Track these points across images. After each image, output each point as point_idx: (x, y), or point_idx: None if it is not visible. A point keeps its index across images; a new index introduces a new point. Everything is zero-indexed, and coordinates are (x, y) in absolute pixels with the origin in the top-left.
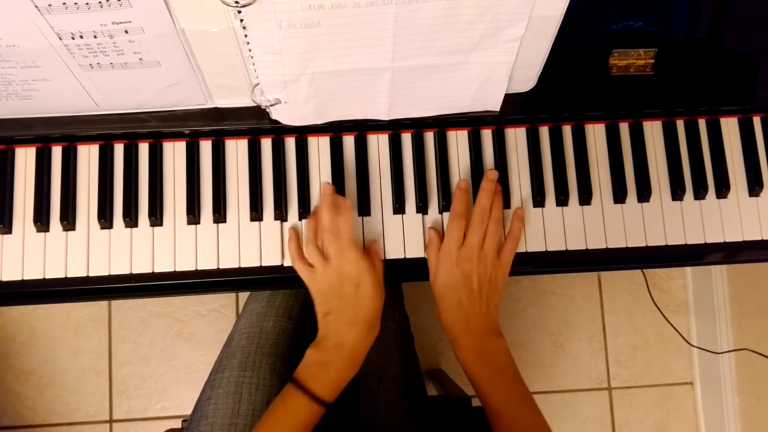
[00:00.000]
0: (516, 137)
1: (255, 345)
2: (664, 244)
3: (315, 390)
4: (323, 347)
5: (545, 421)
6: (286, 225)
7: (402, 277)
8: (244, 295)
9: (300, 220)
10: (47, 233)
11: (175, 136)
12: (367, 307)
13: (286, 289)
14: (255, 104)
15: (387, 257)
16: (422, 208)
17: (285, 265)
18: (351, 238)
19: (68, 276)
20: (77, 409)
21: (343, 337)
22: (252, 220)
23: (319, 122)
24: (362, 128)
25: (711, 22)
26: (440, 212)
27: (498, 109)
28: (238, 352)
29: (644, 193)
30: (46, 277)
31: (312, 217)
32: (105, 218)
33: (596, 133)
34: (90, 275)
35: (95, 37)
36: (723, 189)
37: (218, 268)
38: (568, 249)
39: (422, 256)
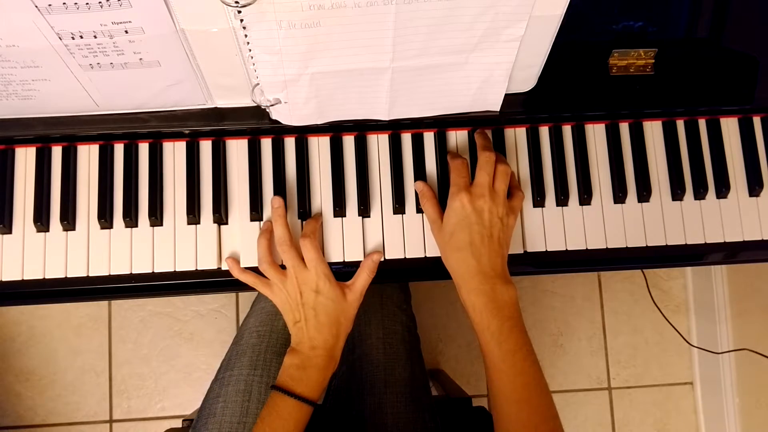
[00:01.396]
0: (516, 137)
1: (265, 343)
2: (664, 244)
3: (301, 392)
4: (299, 351)
5: (545, 380)
6: None
7: (403, 277)
8: (244, 295)
9: (300, 219)
10: (47, 233)
11: (175, 136)
12: (331, 310)
13: None
14: (255, 104)
15: (387, 257)
16: None
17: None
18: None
19: (68, 276)
20: (77, 409)
21: (315, 340)
22: (252, 220)
23: (319, 122)
24: (362, 128)
25: (711, 22)
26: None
27: (498, 109)
28: (248, 350)
29: (644, 193)
30: (46, 277)
31: (263, 234)
32: (105, 218)
33: (596, 133)
34: (90, 275)
35: (95, 37)
36: (723, 189)
37: (218, 268)
38: (568, 249)
39: (422, 256)
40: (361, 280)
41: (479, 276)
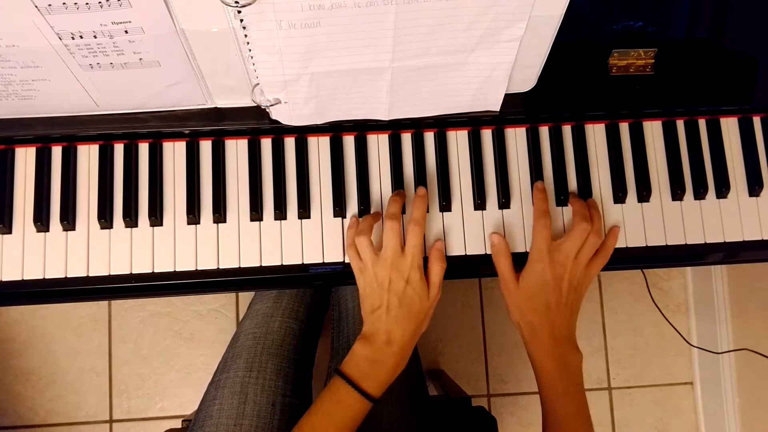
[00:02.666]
0: (516, 137)
1: (261, 345)
2: (664, 244)
3: (366, 388)
4: (373, 343)
5: None
6: (286, 225)
7: None
8: (244, 295)
9: (300, 219)
10: (47, 233)
11: (175, 136)
12: (415, 304)
13: (286, 290)
14: (255, 104)
15: None
16: None
17: (284, 264)
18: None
19: (68, 276)
20: (77, 409)
21: (393, 333)
22: (252, 220)
23: (319, 122)
24: (362, 128)
25: (711, 22)
26: (440, 211)
27: (498, 109)
28: (244, 352)
29: (644, 193)
30: (46, 277)
31: (373, 214)
32: (105, 218)
33: (596, 133)
34: (90, 275)
35: (95, 37)
36: (723, 189)
37: (218, 268)
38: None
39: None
40: (436, 273)
41: (551, 339)
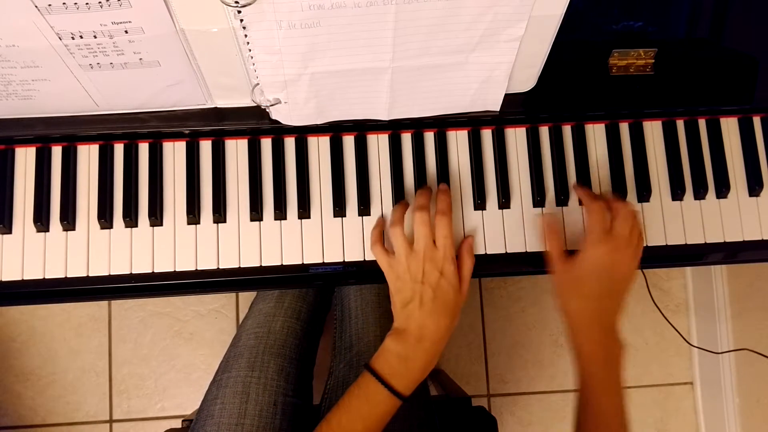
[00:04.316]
0: (516, 137)
1: (263, 345)
2: (664, 244)
3: (396, 385)
4: (405, 339)
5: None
6: (286, 225)
7: None
8: (244, 295)
9: (300, 219)
10: (47, 233)
11: (175, 136)
12: (449, 297)
13: (287, 290)
14: (255, 104)
15: None
16: None
17: (284, 264)
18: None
19: (68, 276)
20: (77, 409)
21: (425, 328)
22: (252, 220)
23: (319, 122)
24: (362, 128)
25: (711, 22)
26: None
27: (498, 109)
28: (246, 351)
29: (644, 193)
30: (46, 277)
31: (400, 204)
32: (105, 218)
33: (596, 133)
34: (90, 275)
35: (95, 37)
36: (723, 189)
37: (218, 268)
38: (569, 249)
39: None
40: (468, 267)
41: (598, 327)
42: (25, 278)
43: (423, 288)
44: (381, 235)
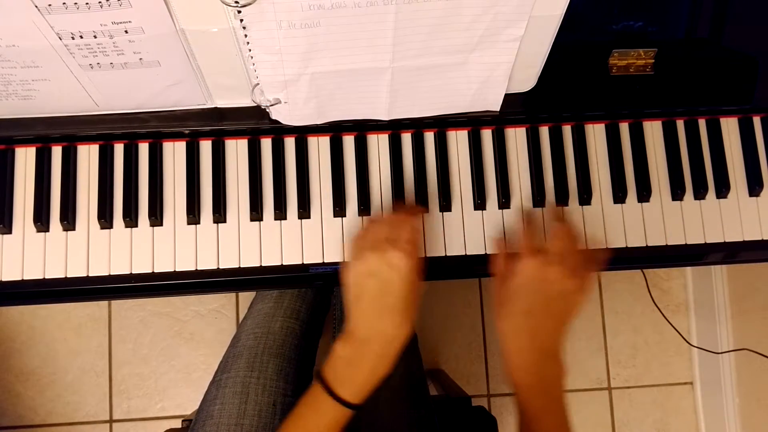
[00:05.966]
0: (516, 137)
1: (262, 345)
2: (664, 244)
3: (342, 394)
4: (351, 342)
5: None
6: (286, 225)
7: None
8: (244, 295)
9: (300, 219)
10: (47, 233)
11: (175, 136)
12: (399, 291)
13: (286, 289)
14: (255, 104)
15: None
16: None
17: (284, 264)
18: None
19: (68, 276)
20: (77, 409)
21: (372, 329)
22: (252, 220)
23: (319, 122)
24: (362, 128)
25: (711, 22)
26: (441, 211)
27: (498, 109)
28: (245, 352)
29: (644, 193)
30: (46, 277)
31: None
32: (105, 218)
33: (596, 133)
34: (90, 275)
35: (95, 37)
36: (723, 189)
37: (218, 268)
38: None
39: (422, 256)
40: (410, 236)
41: (529, 353)
42: (25, 278)
43: (368, 290)
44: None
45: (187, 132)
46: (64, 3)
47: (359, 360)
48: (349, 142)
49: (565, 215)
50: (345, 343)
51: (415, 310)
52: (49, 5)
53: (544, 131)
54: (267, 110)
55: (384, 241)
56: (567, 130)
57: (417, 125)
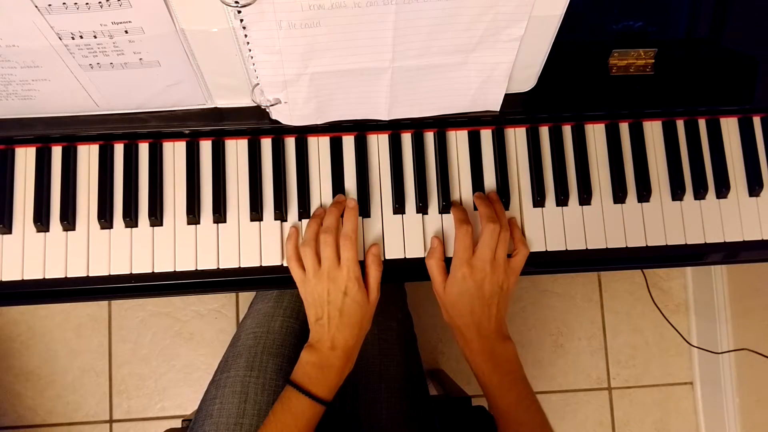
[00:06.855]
0: (516, 137)
1: (262, 345)
2: (664, 244)
3: (315, 392)
4: (318, 350)
5: (550, 425)
6: (286, 225)
7: (402, 277)
8: (244, 295)
9: (300, 219)
10: (47, 233)
11: (175, 136)
12: (355, 312)
13: (287, 289)
14: (255, 104)
15: (387, 257)
16: (422, 208)
17: (285, 265)
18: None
19: (68, 276)
20: (77, 409)
21: (336, 340)
22: (252, 220)
23: (319, 122)
24: (362, 128)
25: (711, 22)
26: (440, 212)
27: (498, 109)
28: (245, 351)
29: (644, 193)
30: (46, 277)
31: (314, 218)
32: (105, 218)
33: (596, 133)
34: (90, 275)
35: (95, 37)
36: (723, 189)
37: (218, 268)
38: (568, 249)
39: (422, 256)
40: (373, 276)
41: (479, 339)
42: (25, 278)
43: (329, 308)
44: (296, 249)
45: (187, 132)
46: (64, 3)
47: (328, 364)
48: (349, 142)
49: (493, 204)
50: (312, 351)
51: (369, 321)
52: (49, 5)
53: (544, 131)
54: (267, 110)
55: (338, 270)
56: (567, 130)
57: (417, 125)
